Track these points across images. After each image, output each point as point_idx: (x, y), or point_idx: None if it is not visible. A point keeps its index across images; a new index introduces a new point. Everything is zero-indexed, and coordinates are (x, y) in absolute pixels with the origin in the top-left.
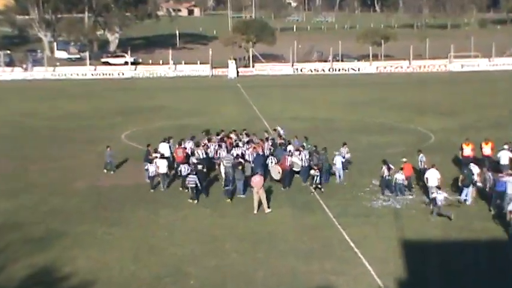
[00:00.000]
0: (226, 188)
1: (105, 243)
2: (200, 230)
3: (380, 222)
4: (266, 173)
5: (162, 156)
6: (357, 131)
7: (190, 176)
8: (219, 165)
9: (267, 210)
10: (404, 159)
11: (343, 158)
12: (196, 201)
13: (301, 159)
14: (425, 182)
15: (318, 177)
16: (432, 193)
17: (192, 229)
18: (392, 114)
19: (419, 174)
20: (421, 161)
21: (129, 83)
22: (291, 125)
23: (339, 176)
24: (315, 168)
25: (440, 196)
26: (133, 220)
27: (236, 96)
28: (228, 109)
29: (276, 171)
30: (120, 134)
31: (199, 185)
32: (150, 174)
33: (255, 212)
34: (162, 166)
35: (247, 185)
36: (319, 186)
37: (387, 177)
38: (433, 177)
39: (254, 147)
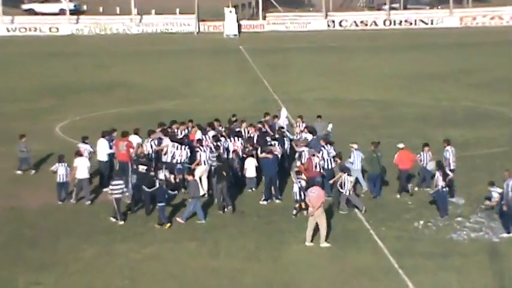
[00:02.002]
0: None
1: None
2: (181, 276)
3: (466, 266)
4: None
5: (79, 154)
6: (430, 121)
7: (115, 181)
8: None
9: (324, 244)
10: (401, 145)
11: (362, 156)
12: (122, 221)
13: (323, 159)
14: None
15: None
16: None
17: (168, 275)
18: (485, 94)
19: None
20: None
21: (67, 45)
22: (324, 111)
23: (361, 181)
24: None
25: None
26: (74, 261)
27: (237, 66)
28: (225, 87)
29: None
30: (53, 126)
31: (163, 203)
32: (58, 180)
33: (308, 243)
34: (81, 168)
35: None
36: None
37: (443, 190)
38: None
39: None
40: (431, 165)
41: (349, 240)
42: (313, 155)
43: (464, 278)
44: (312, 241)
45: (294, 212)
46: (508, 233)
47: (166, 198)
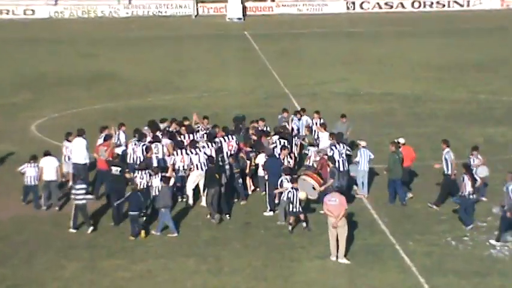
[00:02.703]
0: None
1: None
2: None
3: (508, 286)
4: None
5: (48, 153)
6: (465, 118)
7: (78, 185)
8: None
9: (343, 260)
10: (402, 140)
11: (371, 156)
12: (90, 227)
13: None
14: None
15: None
16: None
17: None
18: None
19: None
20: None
21: (45, 30)
22: (342, 106)
23: (362, 185)
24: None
25: None
26: (53, 280)
27: (242, 55)
28: (227, 79)
29: (309, 185)
30: (29, 124)
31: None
32: (26, 182)
33: (334, 258)
34: (48, 169)
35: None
36: None
37: (471, 196)
38: None
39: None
40: (483, 172)
41: (371, 257)
42: (326, 155)
43: None
44: (337, 256)
45: (290, 227)
46: (498, 240)
47: (139, 207)
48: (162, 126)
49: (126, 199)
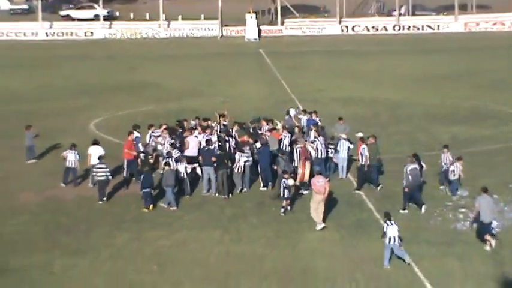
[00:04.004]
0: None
1: (65, 281)
2: (205, 261)
3: (469, 253)
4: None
5: (96, 142)
6: (436, 119)
7: (99, 164)
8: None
9: (320, 226)
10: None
11: (351, 144)
12: (101, 201)
13: (316, 148)
14: None
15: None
16: None
17: (194, 260)
18: (488, 94)
19: None
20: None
21: (101, 48)
22: (338, 110)
23: (342, 170)
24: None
25: None
26: (106, 247)
27: (257, 68)
28: (245, 87)
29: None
30: (87, 123)
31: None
32: (67, 164)
33: (320, 227)
34: (94, 155)
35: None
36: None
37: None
38: None
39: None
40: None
41: (360, 230)
42: (306, 141)
43: (467, 265)
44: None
45: (282, 210)
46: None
47: (150, 185)
48: (193, 123)
49: (143, 178)
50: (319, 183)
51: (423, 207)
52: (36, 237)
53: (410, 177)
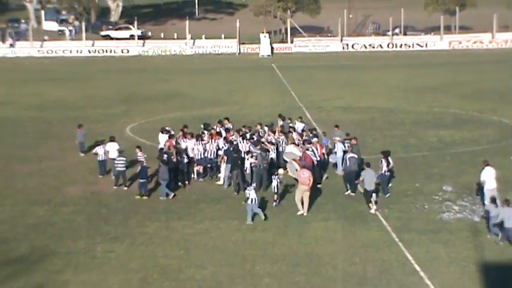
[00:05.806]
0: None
1: (106, 263)
2: (224, 247)
3: (453, 240)
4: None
5: (113, 139)
6: (424, 124)
7: (119, 157)
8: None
9: (306, 213)
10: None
11: (345, 145)
12: (115, 186)
13: (315, 154)
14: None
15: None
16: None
17: (215, 246)
18: (469, 102)
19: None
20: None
21: (135, 63)
22: (340, 116)
23: (338, 167)
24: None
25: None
26: (140, 235)
27: (270, 80)
28: (260, 96)
29: (294, 167)
30: (124, 127)
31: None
32: (99, 158)
33: (304, 213)
34: (112, 150)
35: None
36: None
37: (386, 174)
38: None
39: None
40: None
41: (358, 220)
42: (307, 150)
43: (451, 250)
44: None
45: (274, 203)
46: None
47: (146, 176)
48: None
49: (140, 170)
50: (304, 175)
51: (350, 192)
52: (80, 226)
53: (348, 163)
